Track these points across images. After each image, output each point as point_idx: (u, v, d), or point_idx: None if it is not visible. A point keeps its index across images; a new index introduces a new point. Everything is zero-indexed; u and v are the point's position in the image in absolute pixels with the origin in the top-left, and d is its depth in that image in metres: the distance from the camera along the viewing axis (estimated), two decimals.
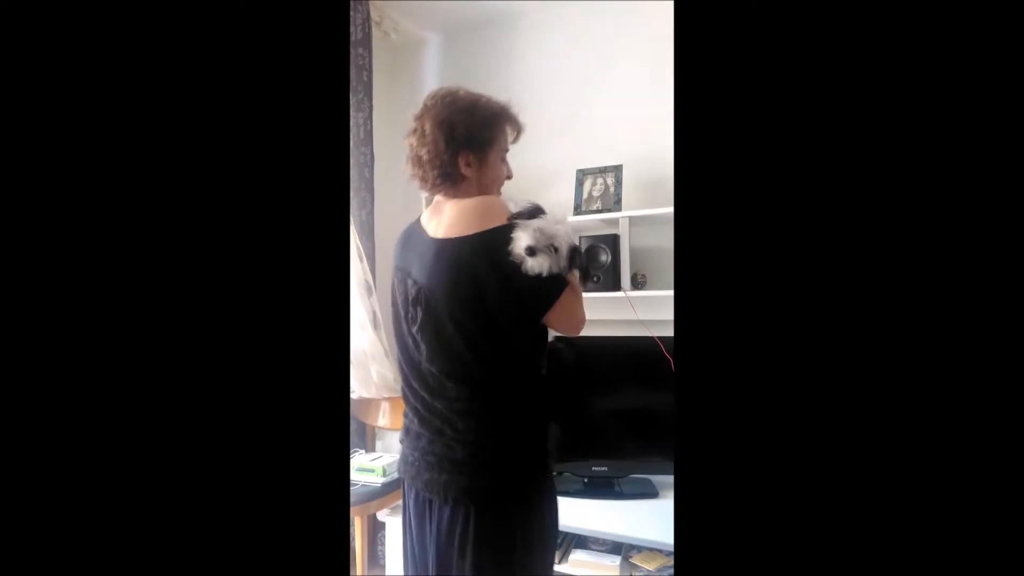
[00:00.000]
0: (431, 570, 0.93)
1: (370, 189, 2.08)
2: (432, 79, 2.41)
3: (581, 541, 1.68)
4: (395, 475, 1.74)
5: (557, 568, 1.59)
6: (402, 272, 0.98)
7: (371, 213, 2.08)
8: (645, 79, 1.96)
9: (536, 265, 0.84)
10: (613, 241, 1.79)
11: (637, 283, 1.86)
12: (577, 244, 0.90)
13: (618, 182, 1.92)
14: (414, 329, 0.93)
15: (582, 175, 1.99)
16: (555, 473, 1.93)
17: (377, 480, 1.82)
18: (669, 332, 1.71)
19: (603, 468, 1.81)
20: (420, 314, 0.91)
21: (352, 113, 2.00)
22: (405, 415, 1.01)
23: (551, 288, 0.87)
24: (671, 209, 1.72)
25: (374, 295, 1.94)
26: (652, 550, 1.56)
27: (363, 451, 2.07)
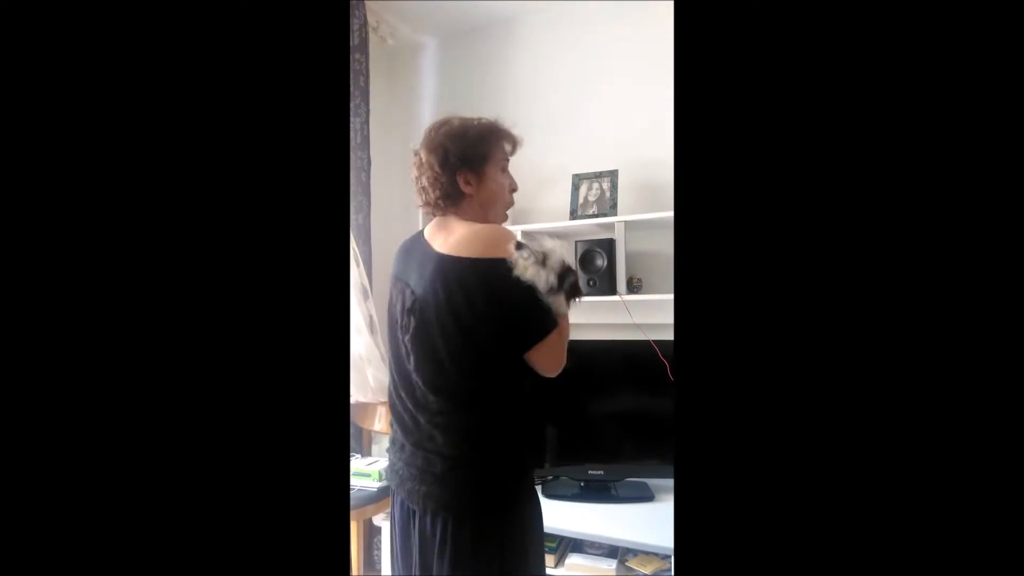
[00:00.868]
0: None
1: (367, 193, 2.08)
2: (429, 83, 2.42)
3: (577, 545, 1.68)
4: None
5: (554, 572, 1.59)
6: (401, 282, 1.00)
7: (367, 217, 2.08)
8: (641, 83, 1.97)
9: (524, 267, 0.86)
10: (609, 245, 1.80)
11: (633, 287, 1.87)
12: (571, 267, 0.93)
13: (614, 186, 1.93)
14: (406, 338, 0.95)
15: (578, 180, 2.00)
16: (550, 477, 1.93)
17: (373, 484, 1.82)
18: (665, 336, 1.75)
19: (599, 472, 1.81)
20: (413, 323, 0.93)
21: (349, 117, 2.00)
22: (391, 424, 1.03)
23: (539, 326, 0.89)
24: (667, 213, 1.72)
25: (371, 299, 1.94)
26: (648, 554, 1.56)
27: (359, 455, 2.06)
